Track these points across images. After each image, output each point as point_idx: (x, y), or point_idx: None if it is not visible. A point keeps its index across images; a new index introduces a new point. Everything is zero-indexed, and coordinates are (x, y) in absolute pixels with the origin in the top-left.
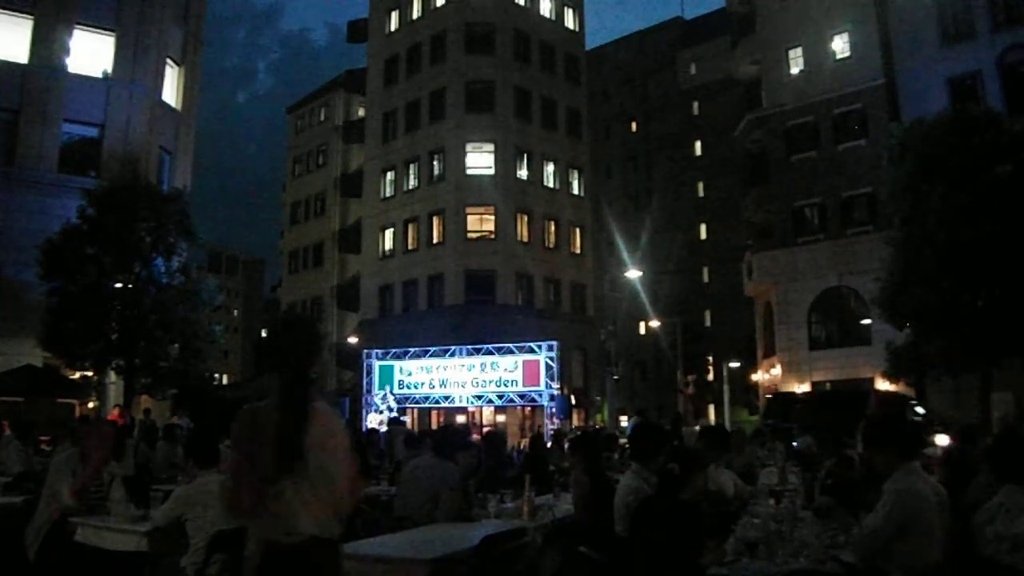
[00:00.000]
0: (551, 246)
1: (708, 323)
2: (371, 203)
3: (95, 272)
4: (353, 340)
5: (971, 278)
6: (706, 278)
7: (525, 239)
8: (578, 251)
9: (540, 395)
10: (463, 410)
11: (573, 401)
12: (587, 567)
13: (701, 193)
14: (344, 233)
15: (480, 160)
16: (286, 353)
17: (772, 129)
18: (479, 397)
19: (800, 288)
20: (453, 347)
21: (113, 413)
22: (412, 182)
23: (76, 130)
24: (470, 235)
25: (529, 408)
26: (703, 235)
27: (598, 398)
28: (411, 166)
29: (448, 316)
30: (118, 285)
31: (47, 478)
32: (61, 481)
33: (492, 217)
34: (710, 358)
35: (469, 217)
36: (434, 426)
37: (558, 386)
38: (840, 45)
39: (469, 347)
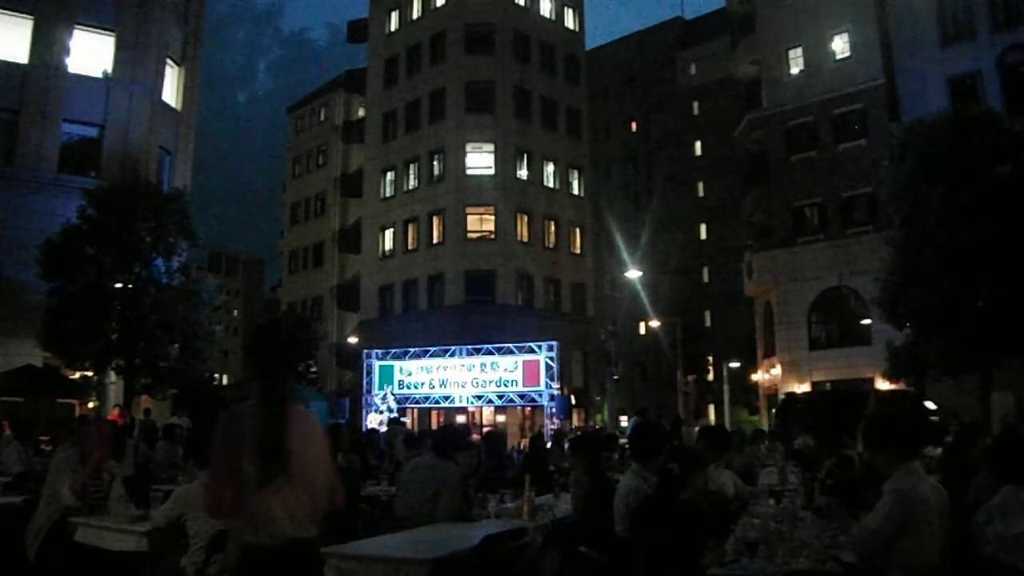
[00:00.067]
0: (551, 246)
1: (708, 323)
2: (371, 203)
3: (95, 272)
4: (353, 340)
5: (971, 278)
6: (706, 278)
7: (525, 239)
8: (578, 251)
9: (540, 395)
10: (463, 410)
11: (573, 401)
12: (587, 567)
13: (701, 193)
14: (344, 233)
15: (480, 160)
16: (273, 355)
17: (772, 129)
18: (479, 397)
19: (800, 288)
20: (453, 347)
21: (113, 413)
22: (412, 182)
23: (76, 130)
24: (470, 235)
25: (529, 408)
26: (703, 235)
27: (598, 398)
28: (411, 166)
29: (448, 316)
30: (118, 285)
31: (47, 478)
32: (61, 481)
33: (492, 217)
34: (710, 358)
35: (469, 217)
36: (434, 426)
37: (558, 386)
38: (840, 45)
39: (469, 347)
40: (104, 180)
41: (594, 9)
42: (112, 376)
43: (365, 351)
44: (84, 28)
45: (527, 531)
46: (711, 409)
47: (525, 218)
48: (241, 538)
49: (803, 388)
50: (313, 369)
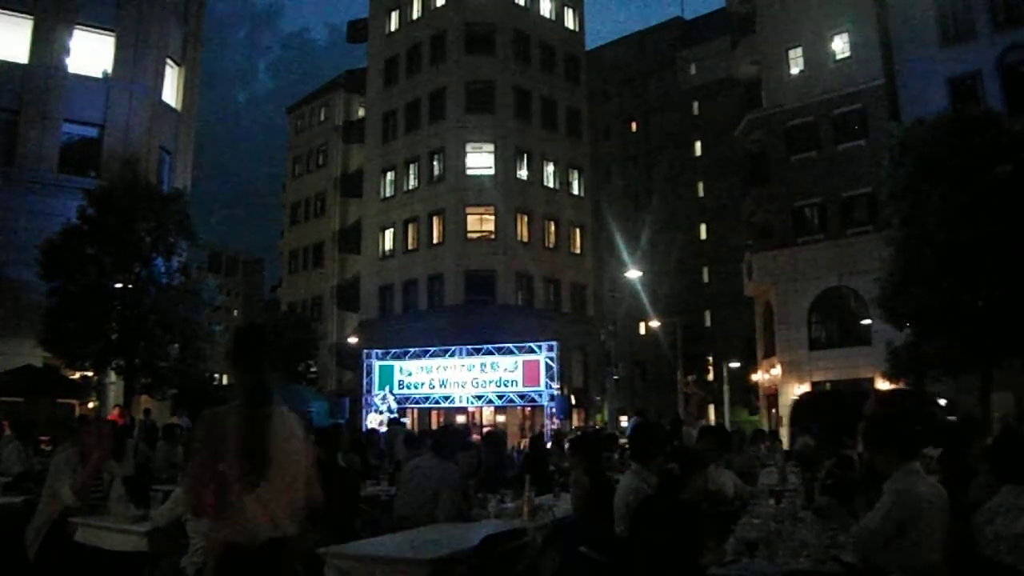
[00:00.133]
0: (551, 246)
1: (708, 323)
2: (371, 203)
3: (95, 272)
4: (353, 340)
5: (971, 278)
6: (706, 278)
7: (525, 239)
8: (578, 251)
9: (540, 395)
10: (463, 410)
11: (573, 401)
12: (587, 567)
13: (701, 193)
14: (344, 233)
15: (480, 160)
16: (260, 355)
17: (772, 129)
18: (479, 397)
19: (800, 288)
20: (453, 347)
21: (113, 413)
22: (412, 182)
23: (76, 130)
24: (470, 235)
25: (529, 408)
26: (703, 235)
27: (598, 398)
28: (411, 166)
29: (448, 316)
30: (118, 285)
31: (47, 478)
32: (61, 481)
33: (492, 217)
34: (710, 358)
35: (469, 217)
36: (434, 426)
37: (558, 386)
38: (840, 45)
39: (469, 347)
40: (104, 180)
41: (594, 9)
42: (112, 376)
43: (365, 351)
44: (84, 28)
45: (527, 531)
46: (711, 409)
47: (525, 218)
48: (221, 537)
49: (803, 388)
50: (313, 369)
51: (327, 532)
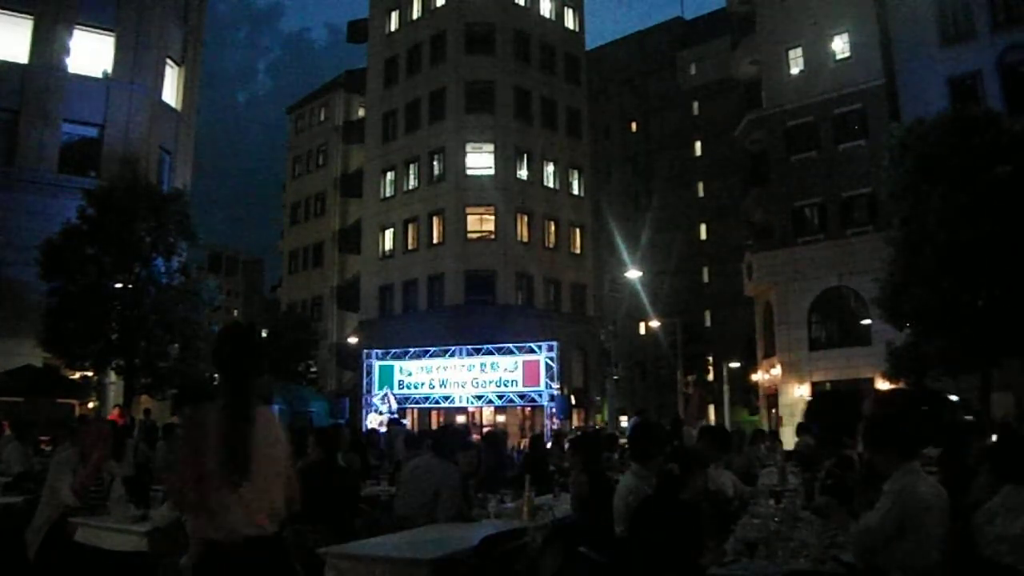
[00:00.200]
0: (551, 246)
1: (708, 323)
2: (371, 203)
3: (95, 272)
4: (353, 340)
5: (971, 278)
6: (706, 278)
7: (525, 239)
8: (578, 251)
9: (540, 395)
10: (463, 410)
11: (573, 401)
12: (587, 567)
13: (701, 193)
14: (344, 233)
15: (480, 160)
16: (244, 355)
17: (772, 129)
18: (479, 397)
19: (800, 288)
20: (453, 347)
21: (113, 413)
22: (412, 182)
23: (76, 130)
24: (470, 235)
25: (529, 408)
26: (703, 235)
27: (598, 398)
28: (411, 166)
29: (448, 316)
30: (118, 285)
31: (47, 478)
32: (61, 480)
33: (492, 217)
34: (710, 358)
35: (469, 217)
36: (434, 426)
37: (558, 386)
38: (840, 45)
39: (469, 347)
40: (104, 180)
41: (594, 9)
42: (112, 376)
43: (365, 351)
44: (84, 28)
45: (527, 531)
46: (711, 409)
47: (525, 218)
48: (202, 535)
49: (803, 388)
50: (313, 369)
51: (327, 532)
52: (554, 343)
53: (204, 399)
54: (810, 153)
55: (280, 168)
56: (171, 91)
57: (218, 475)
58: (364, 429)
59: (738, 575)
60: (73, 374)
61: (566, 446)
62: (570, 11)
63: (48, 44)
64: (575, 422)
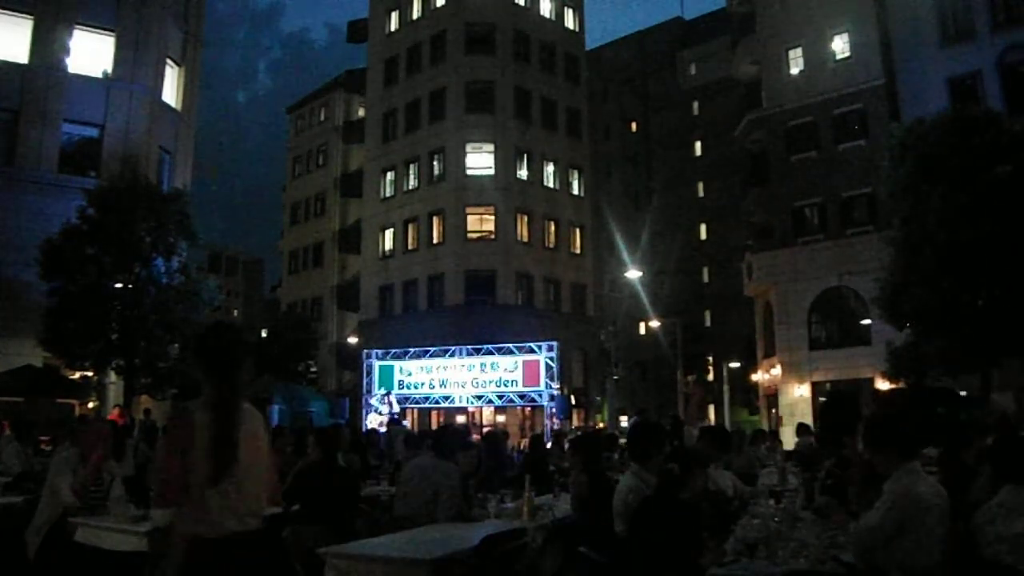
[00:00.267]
0: (551, 246)
1: (708, 323)
2: (371, 203)
3: (95, 272)
4: (353, 340)
5: (971, 278)
6: (706, 278)
7: (525, 239)
8: (578, 251)
9: (540, 395)
10: (463, 410)
11: (573, 401)
12: (587, 567)
13: (701, 193)
14: (344, 233)
15: (480, 160)
16: (226, 351)
17: (772, 129)
18: (479, 397)
19: (800, 288)
20: (453, 347)
21: (113, 413)
22: (412, 182)
23: (76, 130)
24: (470, 235)
25: (529, 408)
26: (703, 235)
27: (598, 398)
28: (411, 166)
29: (448, 316)
30: (118, 285)
31: (47, 478)
32: (61, 480)
33: (492, 217)
34: (710, 358)
35: (469, 217)
36: (434, 426)
37: (558, 386)
38: (840, 45)
39: (469, 347)
40: (104, 180)
41: (594, 9)
42: (112, 376)
43: (365, 351)
44: (84, 28)
45: (527, 531)
46: (711, 409)
47: (525, 218)
48: (186, 530)
49: (803, 388)
50: (313, 369)
51: (327, 532)
52: (554, 343)
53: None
54: (810, 153)
55: (280, 168)
56: (171, 91)
57: (205, 471)
58: (364, 429)
59: (738, 575)
60: (73, 374)
61: (566, 446)
62: (570, 11)
63: (48, 44)
64: (575, 422)
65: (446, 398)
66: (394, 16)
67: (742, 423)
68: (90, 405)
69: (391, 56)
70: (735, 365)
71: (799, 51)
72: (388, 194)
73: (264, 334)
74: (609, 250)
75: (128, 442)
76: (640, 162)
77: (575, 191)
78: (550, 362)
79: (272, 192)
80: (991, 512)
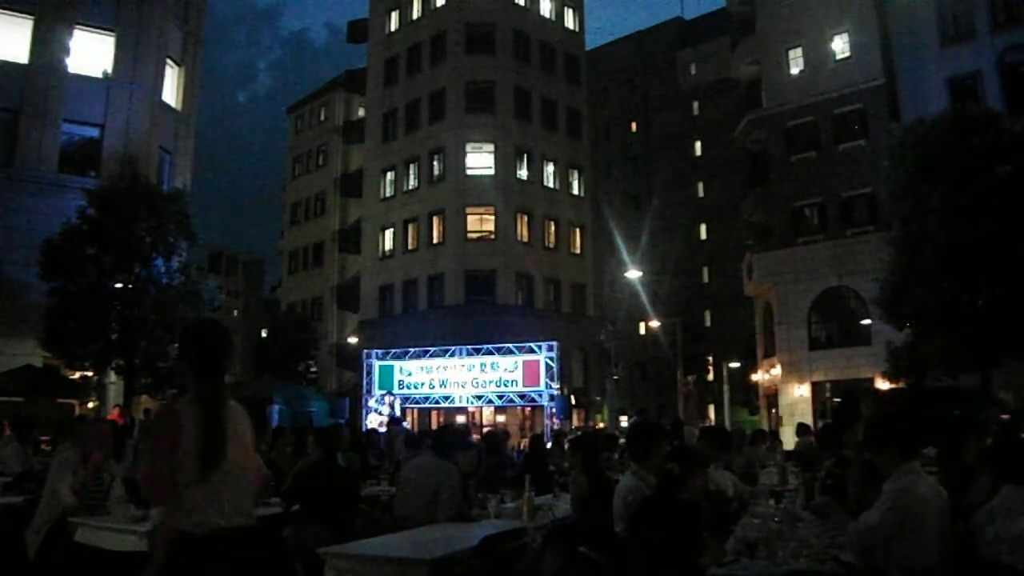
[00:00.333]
0: (551, 246)
1: (708, 323)
2: (371, 203)
3: (95, 272)
4: (353, 340)
5: (971, 278)
6: (706, 278)
7: (525, 239)
8: (578, 251)
9: (540, 395)
10: (463, 410)
11: (573, 401)
12: (587, 567)
13: (701, 193)
14: (344, 233)
15: (480, 160)
16: (206, 351)
17: (772, 129)
18: (479, 397)
19: (800, 288)
20: (453, 347)
21: (113, 413)
22: (412, 182)
23: (76, 130)
24: (470, 235)
25: (529, 408)
26: (703, 235)
27: (598, 398)
28: (411, 166)
29: (448, 316)
30: (118, 285)
31: (47, 478)
32: (61, 480)
33: (492, 217)
34: (710, 358)
35: (469, 217)
36: (434, 426)
37: (558, 386)
38: (840, 45)
39: (469, 347)
40: (104, 180)
41: (594, 9)
42: (112, 376)
43: (365, 351)
44: (84, 28)
45: (527, 531)
46: (711, 409)
47: (525, 218)
48: (172, 526)
49: (803, 388)
50: (313, 369)
51: (327, 532)
52: (554, 343)
53: None
54: (810, 153)
55: (280, 168)
56: (171, 91)
57: (193, 468)
58: (364, 429)
59: (738, 575)
60: (73, 374)
61: (566, 446)
62: (570, 11)
63: (48, 44)
64: (575, 422)
65: (446, 398)
66: (394, 16)
67: (742, 423)
68: (90, 405)
69: (391, 56)
70: (735, 365)
71: (799, 51)
72: (388, 194)
73: (264, 334)
74: (609, 250)
75: (128, 442)
76: (640, 162)
77: (575, 191)
78: (550, 362)
79: (272, 192)
80: (991, 512)
